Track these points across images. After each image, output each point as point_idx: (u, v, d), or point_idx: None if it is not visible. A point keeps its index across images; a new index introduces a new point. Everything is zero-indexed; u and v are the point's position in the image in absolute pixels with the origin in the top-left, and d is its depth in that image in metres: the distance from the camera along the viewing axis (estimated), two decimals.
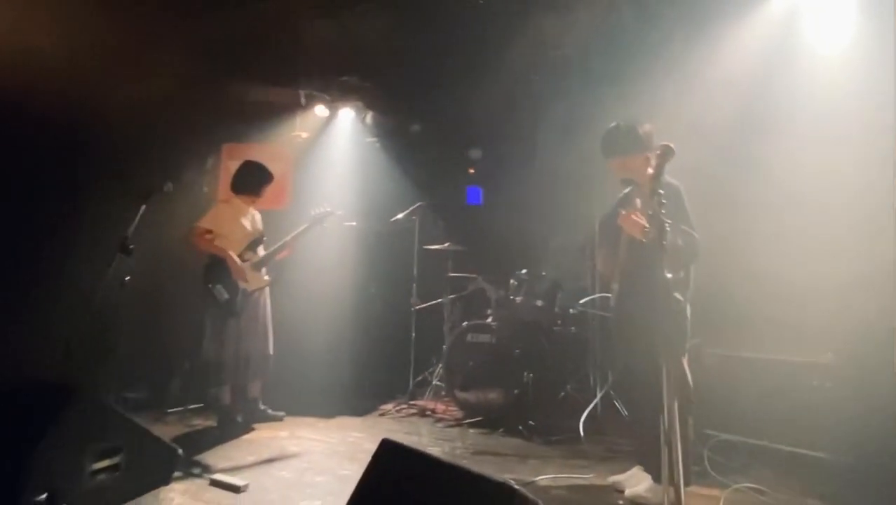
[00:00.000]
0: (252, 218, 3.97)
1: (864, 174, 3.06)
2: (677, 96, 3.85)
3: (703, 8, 3.86)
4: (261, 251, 3.95)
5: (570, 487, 2.86)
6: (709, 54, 3.85)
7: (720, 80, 3.78)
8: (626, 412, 3.73)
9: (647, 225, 2.49)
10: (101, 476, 2.26)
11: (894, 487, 2.68)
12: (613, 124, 2.78)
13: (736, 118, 3.70)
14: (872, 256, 2.97)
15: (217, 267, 3.72)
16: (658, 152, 2.12)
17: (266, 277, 3.92)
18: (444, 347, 4.46)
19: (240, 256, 3.80)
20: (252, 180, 3.92)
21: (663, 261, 1.98)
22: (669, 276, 2.03)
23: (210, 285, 3.68)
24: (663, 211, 2.00)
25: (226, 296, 3.68)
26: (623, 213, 2.63)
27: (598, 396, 4.05)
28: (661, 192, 2.06)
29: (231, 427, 3.69)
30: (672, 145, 2.11)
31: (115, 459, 2.33)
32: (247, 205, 3.95)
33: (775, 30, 3.70)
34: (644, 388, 2.67)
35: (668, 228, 1.97)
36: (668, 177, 2.54)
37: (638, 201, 2.65)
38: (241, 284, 3.74)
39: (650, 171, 2.13)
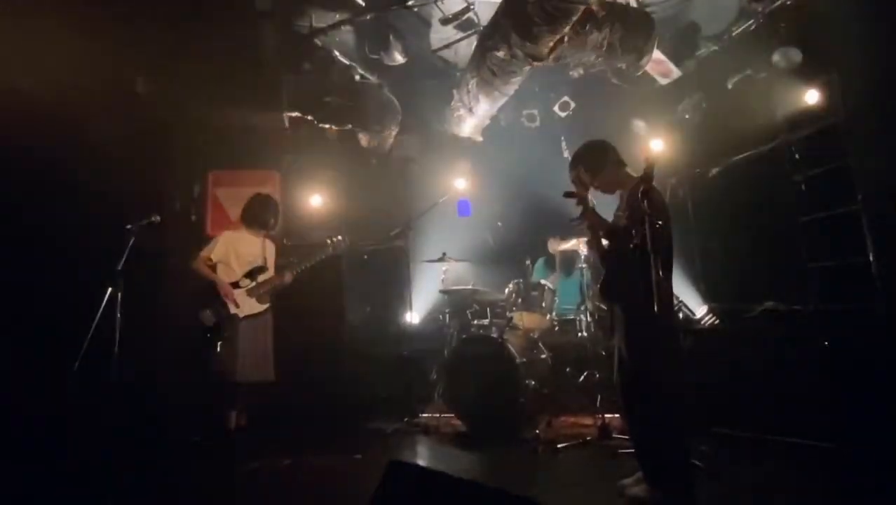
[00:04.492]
0: (259, 247, 3.99)
1: None
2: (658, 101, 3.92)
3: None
4: (262, 279, 3.93)
5: (582, 493, 2.84)
6: None
7: None
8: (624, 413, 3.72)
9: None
10: None
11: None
12: (589, 141, 2.92)
13: None
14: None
15: (207, 293, 3.78)
16: (645, 156, 2.15)
17: (260, 305, 3.88)
18: (444, 361, 4.44)
19: (236, 282, 3.82)
20: (259, 212, 3.99)
21: (658, 263, 2.00)
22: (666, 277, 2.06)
23: (200, 311, 3.74)
24: (655, 215, 2.03)
25: (213, 321, 3.73)
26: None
27: (598, 399, 4.04)
28: (652, 195, 2.09)
29: (230, 459, 3.62)
30: (657, 152, 2.15)
31: None
32: (254, 235, 4.00)
33: None
34: (632, 386, 2.71)
35: (661, 232, 1.99)
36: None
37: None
38: (232, 309, 3.75)
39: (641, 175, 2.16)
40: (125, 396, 3.93)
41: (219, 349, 3.64)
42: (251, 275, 3.88)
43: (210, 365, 3.65)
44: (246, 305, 3.81)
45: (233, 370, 3.66)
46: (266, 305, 3.91)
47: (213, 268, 3.84)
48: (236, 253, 3.89)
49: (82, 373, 3.05)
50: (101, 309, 2.96)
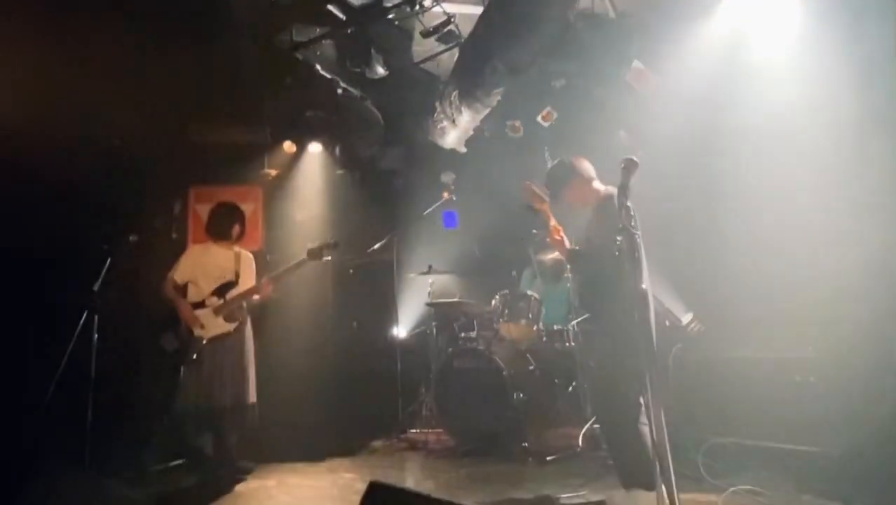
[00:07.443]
0: (231, 260, 3.75)
1: (829, 171, 3.18)
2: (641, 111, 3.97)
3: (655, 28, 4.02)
4: (231, 295, 3.69)
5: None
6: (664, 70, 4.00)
7: (680, 93, 3.92)
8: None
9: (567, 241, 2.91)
10: None
11: (884, 476, 2.70)
12: (555, 161, 3.05)
13: (704, 126, 3.86)
14: (840, 251, 3.06)
15: (171, 315, 3.57)
16: (623, 166, 2.15)
17: (230, 323, 3.63)
18: (431, 375, 4.39)
19: (202, 301, 3.61)
20: (220, 222, 3.78)
21: (638, 272, 1.99)
22: (645, 286, 2.04)
23: (162, 335, 3.56)
24: (633, 224, 2.02)
25: (175, 345, 3.53)
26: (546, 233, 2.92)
27: (587, 410, 4.00)
28: (629, 204, 2.08)
29: (212, 483, 3.50)
30: (636, 158, 2.15)
31: None
32: (224, 248, 3.78)
33: (725, 42, 3.86)
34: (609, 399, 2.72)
35: (639, 241, 1.98)
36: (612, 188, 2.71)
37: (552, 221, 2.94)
38: (197, 332, 3.54)
39: (619, 184, 2.16)
40: (103, 426, 3.86)
41: (182, 373, 3.47)
42: (220, 292, 3.64)
43: (176, 390, 3.48)
44: (213, 325, 3.57)
45: (198, 394, 3.45)
46: (236, 323, 3.65)
47: (184, 288, 3.62)
48: (203, 269, 3.66)
49: (58, 396, 2.97)
50: (77, 331, 2.89)
